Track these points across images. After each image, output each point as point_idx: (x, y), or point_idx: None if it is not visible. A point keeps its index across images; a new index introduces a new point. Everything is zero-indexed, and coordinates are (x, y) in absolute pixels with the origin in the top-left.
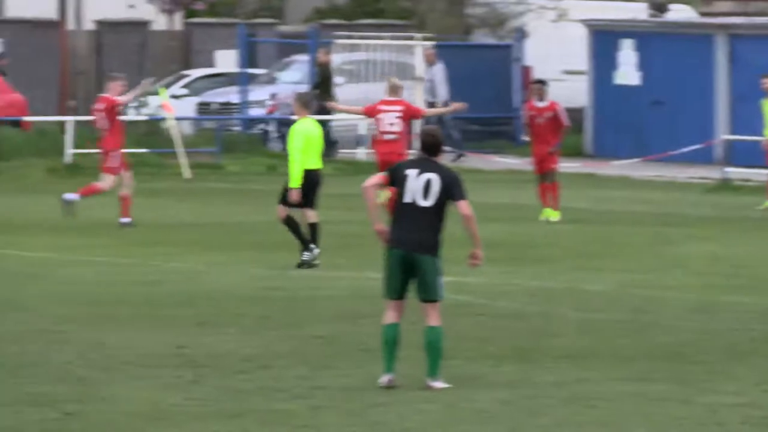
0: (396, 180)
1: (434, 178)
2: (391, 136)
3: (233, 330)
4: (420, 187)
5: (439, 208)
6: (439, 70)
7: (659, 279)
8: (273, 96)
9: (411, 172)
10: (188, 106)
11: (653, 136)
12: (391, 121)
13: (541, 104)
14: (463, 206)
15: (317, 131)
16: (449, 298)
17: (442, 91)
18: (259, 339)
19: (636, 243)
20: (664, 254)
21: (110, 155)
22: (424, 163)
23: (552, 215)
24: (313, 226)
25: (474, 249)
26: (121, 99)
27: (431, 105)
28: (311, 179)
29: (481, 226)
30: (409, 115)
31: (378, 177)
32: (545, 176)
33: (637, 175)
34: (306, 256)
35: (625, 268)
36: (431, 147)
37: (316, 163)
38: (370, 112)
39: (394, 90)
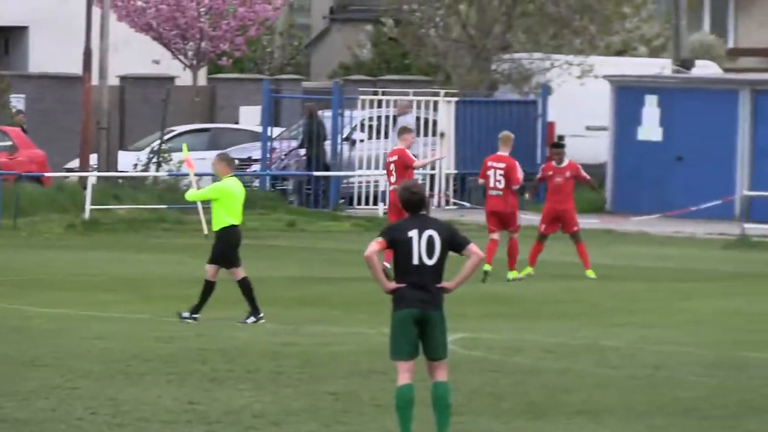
0: (398, 243)
1: (434, 234)
2: (496, 192)
3: (246, 386)
4: (424, 246)
5: (442, 262)
6: (405, 122)
7: (677, 335)
8: (272, 151)
9: (413, 234)
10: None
11: (674, 192)
12: (497, 178)
13: (560, 166)
14: (475, 249)
15: (240, 189)
16: (462, 354)
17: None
18: (272, 395)
19: (654, 299)
20: (682, 310)
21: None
22: (420, 221)
23: (589, 274)
24: (244, 282)
25: (452, 283)
26: (416, 163)
27: None
28: (233, 236)
29: (499, 282)
30: (509, 174)
31: (377, 243)
32: (544, 237)
33: (657, 230)
34: (251, 320)
35: (642, 323)
36: (417, 203)
37: (236, 219)
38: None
39: (505, 142)
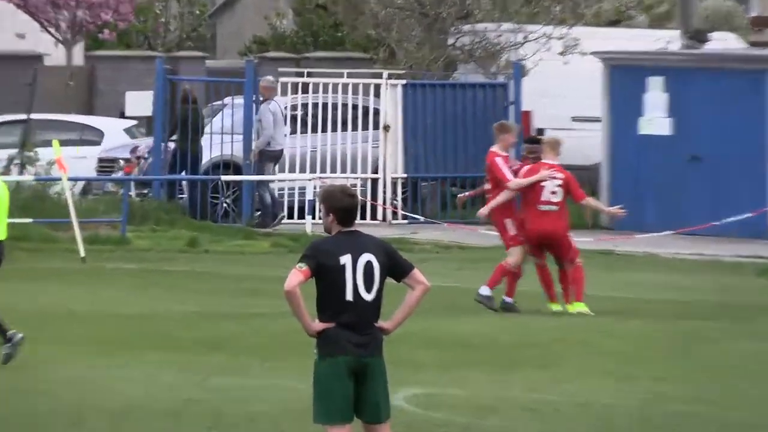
0: (326, 270)
1: (373, 260)
2: (550, 207)
3: None
4: (361, 276)
5: (381, 294)
6: (266, 110)
7: (693, 390)
8: (133, 150)
9: (346, 260)
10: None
11: (690, 202)
12: (553, 189)
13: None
14: (420, 276)
15: (5, 195)
16: (418, 414)
17: (272, 135)
18: None
19: (664, 341)
20: (702, 357)
21: (505, 224)
22: (353, 242)
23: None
24: None
25: (391, 323)
26: (511, 184)
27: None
28: None
29: (460, 320)
30: (569, 187)
31: (299, 272)
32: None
33: (669, 252)
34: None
35: (652, 375)
36: (355, 211)
37: (1, 232)
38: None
39: (554, 148)
